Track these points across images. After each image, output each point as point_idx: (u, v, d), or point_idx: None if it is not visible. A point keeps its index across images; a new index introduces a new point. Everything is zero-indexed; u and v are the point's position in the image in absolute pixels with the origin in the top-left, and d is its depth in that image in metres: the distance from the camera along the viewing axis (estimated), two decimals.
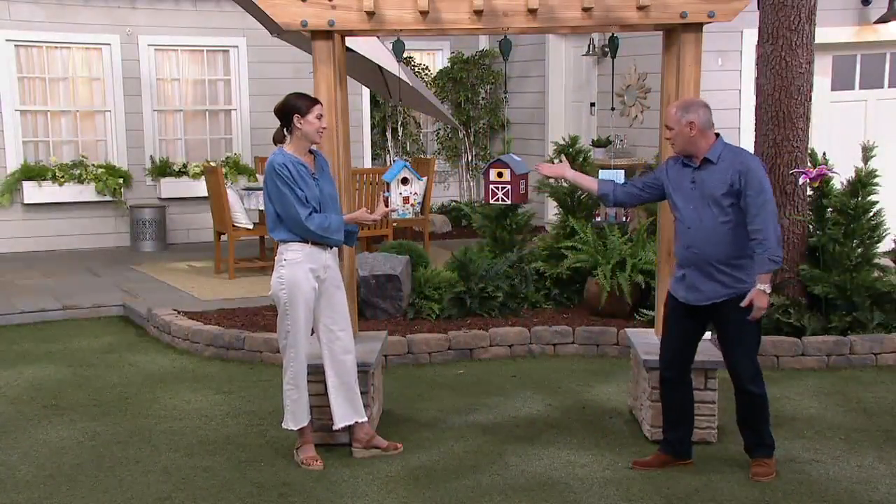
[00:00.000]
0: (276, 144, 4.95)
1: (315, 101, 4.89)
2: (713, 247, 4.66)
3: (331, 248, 4.98)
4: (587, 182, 5.17)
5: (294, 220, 4.82)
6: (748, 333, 4.73)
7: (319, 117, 4.86)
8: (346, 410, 5.07)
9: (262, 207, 9.58)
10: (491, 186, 5.28)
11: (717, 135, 4.73)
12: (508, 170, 5.24)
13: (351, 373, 5.08)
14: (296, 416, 5.02)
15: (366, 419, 5.13)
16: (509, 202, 5.30)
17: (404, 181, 5.37)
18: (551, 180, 8.27)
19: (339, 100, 5.26)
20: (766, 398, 4.81)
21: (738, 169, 4.59)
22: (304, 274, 4.87)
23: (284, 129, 4.90)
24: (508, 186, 5.24)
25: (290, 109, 4.84)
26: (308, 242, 4.87)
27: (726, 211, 4.62)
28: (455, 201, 13.62)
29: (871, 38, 10.59)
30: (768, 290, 4.58)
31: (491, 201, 5.30)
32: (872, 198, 7.16)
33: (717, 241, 4.65)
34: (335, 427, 5.10)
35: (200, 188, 11.24)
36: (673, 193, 4.84)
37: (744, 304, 4.58)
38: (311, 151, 4.95)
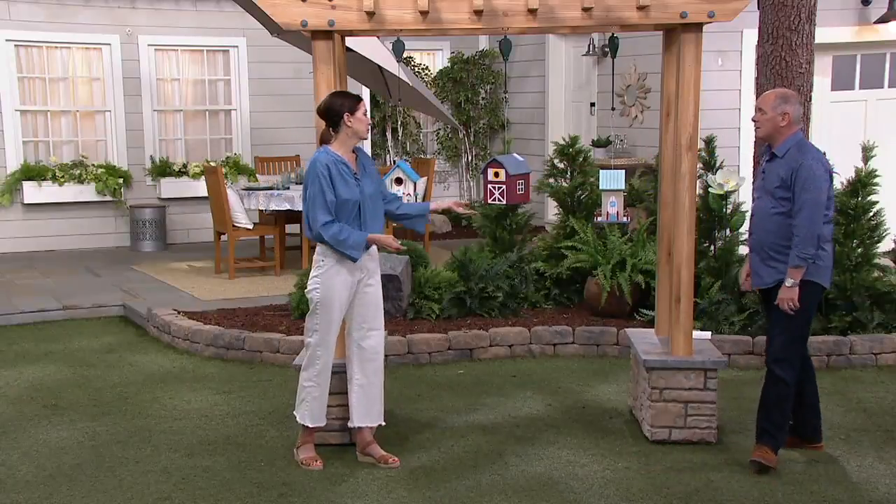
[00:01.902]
0: (321, 146, 4.95)
1: (360, 98, 4.91)
2: (765, 234, 4.88)
3: (368, 249, 4.96)
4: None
5: (313, 222, 4.83)
6: (785, 318, 4.81)
7: (365, 112, 4.89)
8: (364, 412, 5.07)
9: (261, 207, 9.60)
10: (489, 186, 5.27)
11: (802, 130, 4.91)
12: (503, 170, 5.23)
13: (378, 374, 5.08)
14: (314, 414, 5.00)
15: (374, 425, 5.11)
16: (504, 202, 5.28)
17: (398, 181, 5.36)
18: (551, 180, 8.28)
19: None
20: (788, 386, 4.85)
21: (792, 166, 4.75)
22: (340, 278, 4.85)
23: (331, 130, 4.89)
24: (503, 186, 5.23)
25: (339, 109, 4.83)
26: None
27: (780, 202, 4.80)
28: None
29: (871, 38, 10.59)
30: (789, 284, 4.74)
31: (489, 201, 5.29)
32: (872, 198, 7.16)
33: (768, 228, 4.86)
34: (350, 424, 5.11)
35: (200, 188, 11.24)
36: (754, 184, 5.12)
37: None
38: (353, 150, 4.95)
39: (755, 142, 7.36)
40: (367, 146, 12.58)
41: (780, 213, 4.79)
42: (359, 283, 4.95)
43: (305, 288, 5.00)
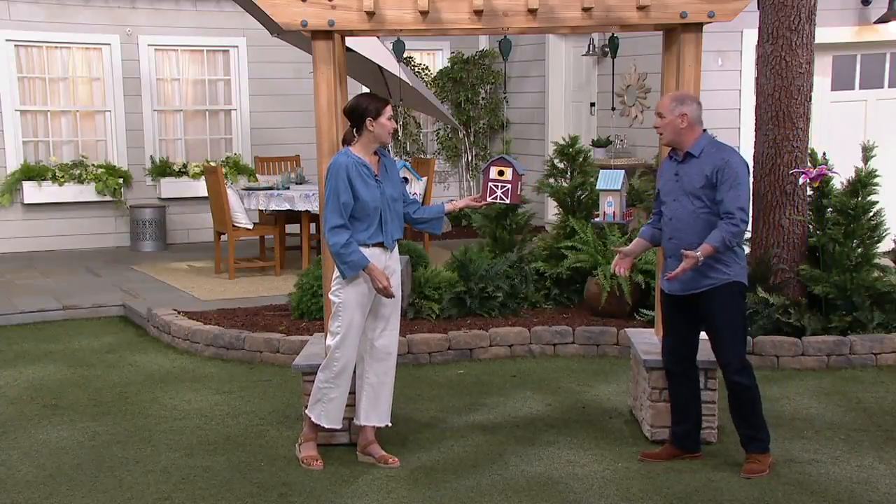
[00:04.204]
0: (344, 145, 4.94)
1: (386, 102, 4.87)
2: (691, 235, 4.76)
3: (391, 250, 4.96)
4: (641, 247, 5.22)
5: (324, 223, 4.84)
6: (730, 324, 4.77)
7: (390, 118, 4.87)
8: (371, 411, 5.06)
9: (261, 207, 9.60)
10: (490, 184, 5.21)
11: (704, 131, 4.85)
12: (511, 168, 5.18)
13: (389, 374, 5.07)
14: (330, 416, 4.99)
15: (380, 425, 5.10)
16: (507, 202, 5.24)
17: (404, 180, 5.34)
18: (551, 180, 8.29)
19: (339, 100, 5.25)
20: (754, 389, 4.81)
21: (717, 164, 4.70)
22: (363, 279, 4.84)
23: (354, 130, 4.88)
24: (509, 186, 5.19)
25: (363, 112, 4.81)
26: (369, 245, 4.84)
27: (704, 202, 4.74)
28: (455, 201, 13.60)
29: (871, 38, 10.59)
30: (700, 255, 4.60)
31: (488, 199, 5.21)
32: (872, 198, 7.16)
33: (694, 230, 4.75)
34: (356, 421, 5.11)
35: (200, 188, 11.25)
36: (661, 188, 5.00)
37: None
38: (375, 152, 4.94)
39: (755, 143, 7.37)
40: None
41: (706, 212, 4.72)
42: None
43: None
